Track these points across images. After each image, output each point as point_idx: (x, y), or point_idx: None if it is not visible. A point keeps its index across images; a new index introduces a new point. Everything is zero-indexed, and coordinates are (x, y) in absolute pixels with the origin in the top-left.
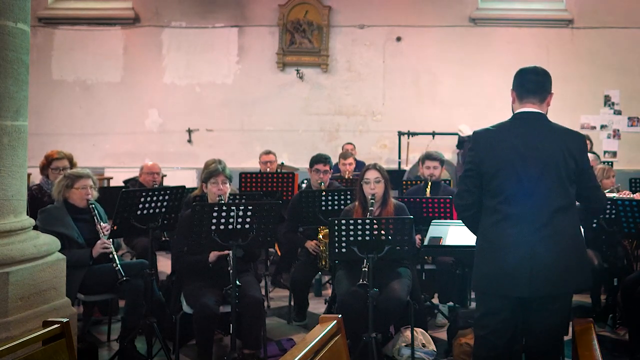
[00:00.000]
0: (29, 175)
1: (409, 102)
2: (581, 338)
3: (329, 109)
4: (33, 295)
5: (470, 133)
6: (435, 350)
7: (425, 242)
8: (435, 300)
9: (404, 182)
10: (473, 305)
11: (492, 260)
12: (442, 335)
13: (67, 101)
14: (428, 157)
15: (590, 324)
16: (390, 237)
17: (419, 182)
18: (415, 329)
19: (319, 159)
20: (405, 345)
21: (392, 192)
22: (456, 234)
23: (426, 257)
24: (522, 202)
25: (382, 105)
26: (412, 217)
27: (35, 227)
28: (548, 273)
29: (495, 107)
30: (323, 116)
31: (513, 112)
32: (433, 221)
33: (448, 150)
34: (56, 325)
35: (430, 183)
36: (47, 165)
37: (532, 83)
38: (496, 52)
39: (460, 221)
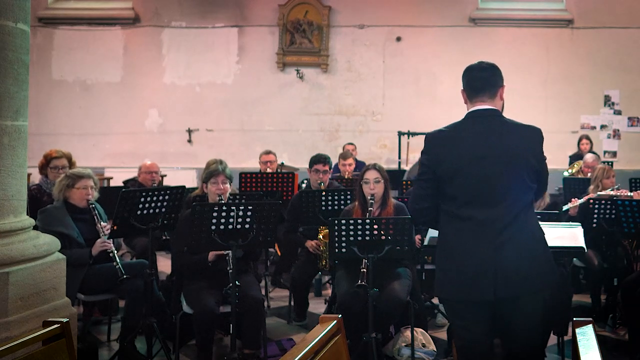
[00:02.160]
0: (28, 175)
1: (409, 102)
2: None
3: (329, 109)
4: (33, 295)
5: None
6: (435, 350)
7: (425, 242)
8: (435, 300)
9: (404, 182)
10: None
11: (456, 266)
12: (442, 335)
13: (67, 101)
14: None
15: (590, 323)
16: (390, 237)
17: None
18: (415, 329)
19: (318, 159)
20: (406, 345)
21: (392, 192)
22: None
23: (426, 257)
24: (483, 204)
25: (382, 106)
26: (411, 217)
27: (35, 227)
28: (513, 273)
29: None
30: (323, 116)
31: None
32: None
33: None
34: (56, 325)
35: None
36: (46, 164)
37: (478, 80)
38: (496, 52)
39: None
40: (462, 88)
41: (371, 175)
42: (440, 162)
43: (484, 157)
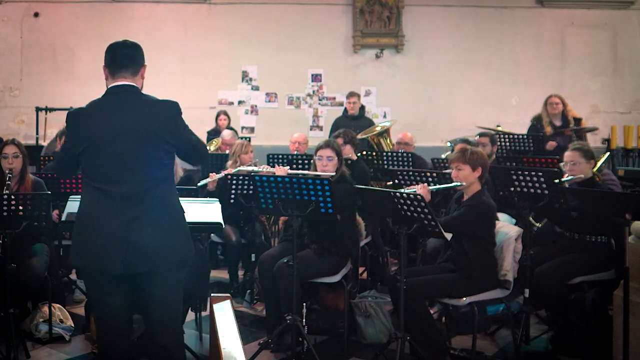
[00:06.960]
0: None
1: (46, 78)
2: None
3: None
4: None
5: None
6: (73, 325)
7: (63, 218)
8: (73, 276)
9: (42, 158)
10: None
11: (88, 237)
12: (80, 311)
13: None
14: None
15: (228, 299)
16: (27, 213)
17: None
18: (53, 304)
19: None
20: (43, 321)
21: (30, 167)
22: None
23: (64, 233)
24: (116, 180)
25: (19, 81)
26: (49, 192)
27: None
28: (145, 249)
29: None
30: None
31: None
32: (71, 196)
33: None
34: None
35: None
36: None
37: (122, 57)
38: (133, 28)
39: None
40: (104, 64)
41: (9, 150)
42: (78, 139)
43: (118, 134)
